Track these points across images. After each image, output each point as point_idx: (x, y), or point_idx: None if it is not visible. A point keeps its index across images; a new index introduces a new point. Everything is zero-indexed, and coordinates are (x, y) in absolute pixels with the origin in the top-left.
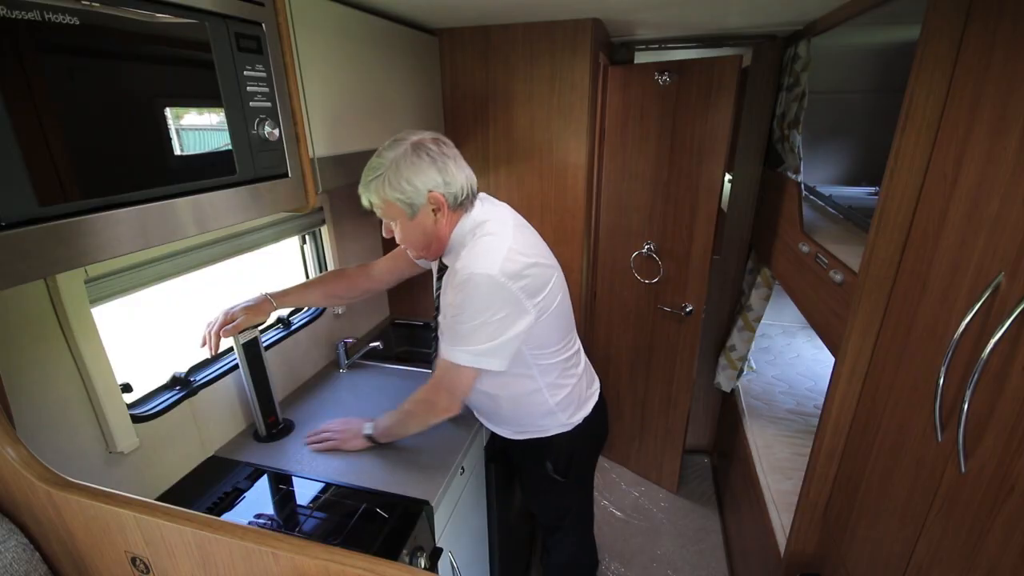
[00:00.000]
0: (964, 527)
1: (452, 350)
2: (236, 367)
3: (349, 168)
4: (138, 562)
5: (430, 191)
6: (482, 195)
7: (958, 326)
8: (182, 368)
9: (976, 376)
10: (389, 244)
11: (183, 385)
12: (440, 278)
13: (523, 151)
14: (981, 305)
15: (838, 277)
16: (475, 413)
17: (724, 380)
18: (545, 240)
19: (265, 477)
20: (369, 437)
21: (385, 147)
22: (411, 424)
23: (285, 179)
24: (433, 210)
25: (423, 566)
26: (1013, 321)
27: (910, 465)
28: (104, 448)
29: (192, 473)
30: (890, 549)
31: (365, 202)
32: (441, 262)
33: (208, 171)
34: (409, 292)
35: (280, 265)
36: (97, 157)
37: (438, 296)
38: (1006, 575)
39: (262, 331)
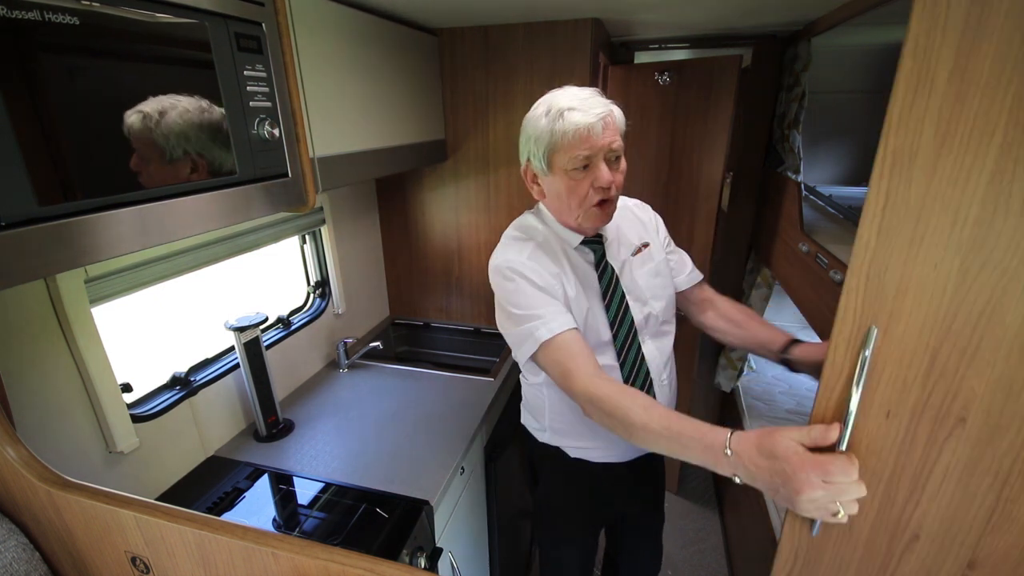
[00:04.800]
0: None
1: None
2: (236, 367)
3: (349, 168)
4: (138, 562)
5: None
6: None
7: None
8: (182, 368)
9: None
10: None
11: (183, 385)
12: (602, 257)
13: None
14: None
15: (838, 277)
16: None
17: (724, 380)
18: None
19: (265, 477)
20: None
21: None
22: None
23: (285, 179)
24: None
25: (423, 566)
26: None
27: None
28: (104, 448)
29: (192, 473)
30: None
31: (613, 130)
32: (597, 242)
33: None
34: (409, 292)
35: (280, 265)
36: (97, 157)
37: (613, 265)
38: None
39: (263, 331)
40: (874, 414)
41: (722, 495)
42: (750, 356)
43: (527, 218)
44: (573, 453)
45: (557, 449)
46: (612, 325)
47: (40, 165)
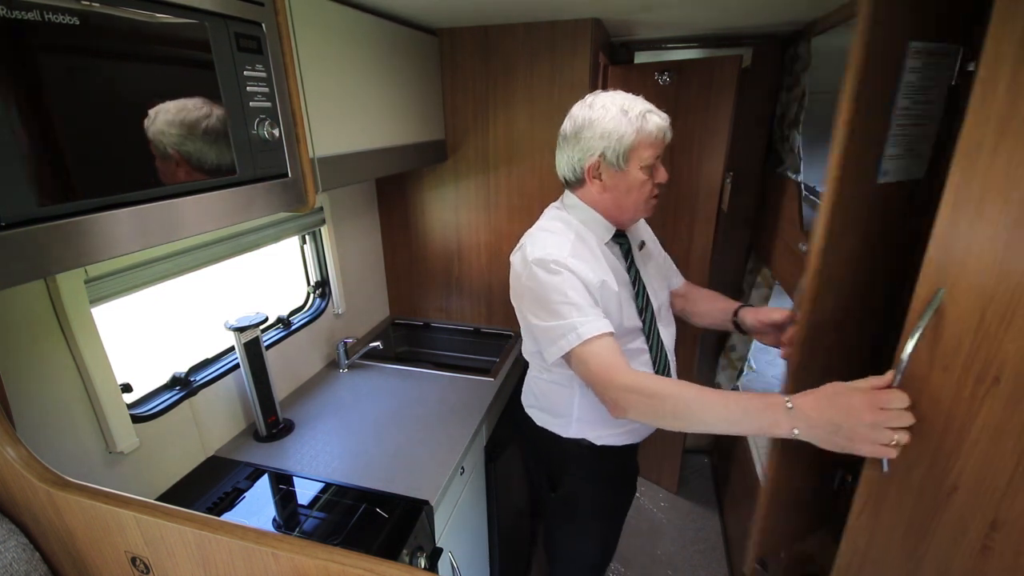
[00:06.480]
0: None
1: None
2: (236, 367)
3: (349, 168)
4: (138, 562)
5: None
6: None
7: None
8: (182, 368)
9: None
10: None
11: (183, 385)
12: (629, 251)
13: (523, 151)
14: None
15: None
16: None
17: (724, 380)
18: None
19: (265, 477)
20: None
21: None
22: None
23: (285, 179)
24: None
25: (423, 566)
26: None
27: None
28: (104, 448)
29: (192, 473)
30: None
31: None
32: (624, 237)
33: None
34: (409, 292)
35: (280, 265)
36: (97, 157)
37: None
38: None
39: (263, 331)
40: (936, 366)
41: (722, 495)
42: (750, 356)
43: (558, 213)
44: (599, 441)
45: (583, 441)
46: (640, 312)
47: (40, 165)
